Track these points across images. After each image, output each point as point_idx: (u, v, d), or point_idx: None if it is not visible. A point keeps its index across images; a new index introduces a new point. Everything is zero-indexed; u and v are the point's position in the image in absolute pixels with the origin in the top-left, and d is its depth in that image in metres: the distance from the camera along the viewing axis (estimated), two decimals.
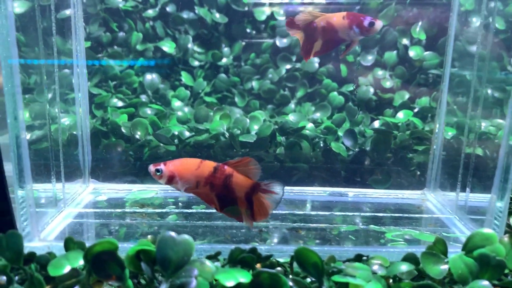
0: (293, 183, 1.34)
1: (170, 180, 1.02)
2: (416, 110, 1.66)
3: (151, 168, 1.03)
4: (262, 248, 0.96)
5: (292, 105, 1.76)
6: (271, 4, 1.74)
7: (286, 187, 1.39)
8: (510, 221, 0.92)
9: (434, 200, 1.35)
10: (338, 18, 1.08)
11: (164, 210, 1.23)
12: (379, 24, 1.09)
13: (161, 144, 1.36)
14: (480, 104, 1.25)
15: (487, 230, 0.88)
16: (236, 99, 1.75)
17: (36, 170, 1.12)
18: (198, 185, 1.02)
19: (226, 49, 1.79)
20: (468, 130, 1.28)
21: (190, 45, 1.77)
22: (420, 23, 1.66)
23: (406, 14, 1.67)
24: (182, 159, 1.04)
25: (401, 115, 1.64)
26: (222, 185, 1.01)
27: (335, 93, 1.72)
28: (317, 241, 1.08)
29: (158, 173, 1.02)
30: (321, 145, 1.46)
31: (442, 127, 1.38)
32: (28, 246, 0.99)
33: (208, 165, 1.01)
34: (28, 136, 1.28)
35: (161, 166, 1.03)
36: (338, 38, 1.09)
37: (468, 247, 0.88)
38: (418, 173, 1.39)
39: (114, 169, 1.32)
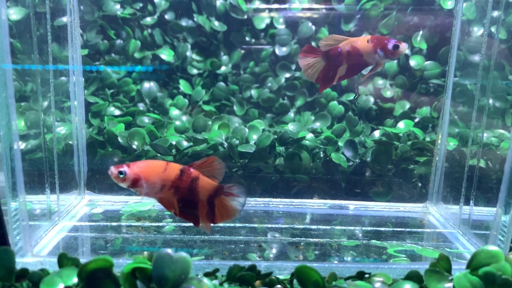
0: (292, 196, 1.32)
1: (134, 184, 0.94)
2: (416, 120, 1.64)
3: (113, 170, 0.95)
4: (262, 265, 0.94)
5: (291, 114, 1.74)
6: (270, 12, 1.73)
7: (286, 200, 1.37)
8: None
9: (437, 214, 1.33)
10: (362, 42, 1.07)
11: (160, 224, 1.21)
12: (403, 46, 1.08)
13: (159, 155, 1.34)
14: (484, 114, 1.23)
15: (492, 248, 0.85)
16: (235, 108, 1.73)
17: (29, 181, 1.09)
18: (162, 189, 0.96)
19: (225, 57, 1.77)
20: (471, 141, 1.26)
21: (188, 53, 1.75)
22: (421, 32, 1.65)
23: (407, 23, 1.66)
24: (146, 160, 0.97)
25: (401, 125, 1.62)
26: (187, 189, 0.95)
27: (335, 102, 1.70)
28: (317, 252, 1.05)
29: (121, 175, 0.94)
30: (321, 155, 1.43)
31: (444, 138, 1.36)
32: (21, 261, 0.96)
33: (175, 168, 0.95)
34: (22, 145, 1.25)
35: (125, 168, 0.94)
36: (363, 62, 1.08)
37: (473, 265, 0.86)
38: (420, 185, 1.37)
39: (110, 180, 1.29)
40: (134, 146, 1.32)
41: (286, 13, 1.73)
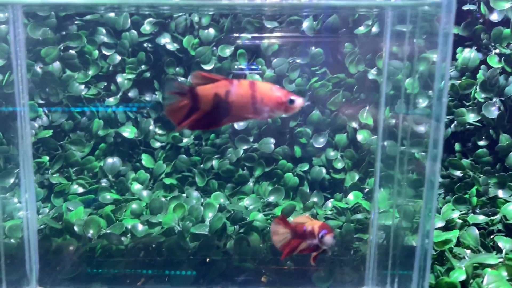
0: (239, 284, 1.36)
1: None
2: (366, 190, 1.73)
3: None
4: None
5: (250, 184, 1.83)
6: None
7: None
8: None
9: None
10: (315, 226, 1.19)
11: None
12: (329, 239, 1.17)
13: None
14: (404, 184, 1.29)
15: None
16: (197, 179, 1.81)
17: None
18: None
19: (187, 130, 1.86)
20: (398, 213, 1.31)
21: (151, 127, 1.84)
22: (367, 108, 1.76)
23: (354, 99, 1.77)
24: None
25: (351, 197, 1.72)
26: None
27: (290, 173, 1.79)
28: None
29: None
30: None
31: (377, 211, 1.41)
32: None
33: None
34: None
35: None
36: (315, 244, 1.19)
37: None
38: (361, 266, 1.43)
39: (63, 275, 1.34)
40: (89, 235, 1.38)
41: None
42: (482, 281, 1.23)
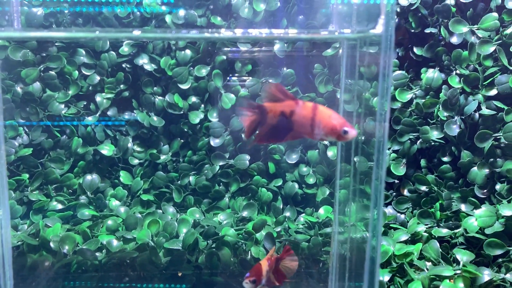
0: None
1: None
2: None
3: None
4: None
5: (226, 199, 1.88)
6: (206, 108, 1.90)
7: None
8: None
9: None
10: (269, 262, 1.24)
11: None
12: None
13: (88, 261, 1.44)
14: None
15: None
16: (174, 195, 1.86)
17: None
18: None
19: (165, 147, 1.92)
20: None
21: (130, 145, 1.89)
22: None
23: None
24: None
25: (322, 211, 1.78)
26: None
27: (264, 189, 1.86)
28: None
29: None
30: (244, 248, 1.56)
31: (337, 224, 1.46)
32: None
33: None
34: None
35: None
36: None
37: None
38: (327, 278, 1.49)
39: None
40: (65, 251, 1.43)
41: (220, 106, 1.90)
42: None
